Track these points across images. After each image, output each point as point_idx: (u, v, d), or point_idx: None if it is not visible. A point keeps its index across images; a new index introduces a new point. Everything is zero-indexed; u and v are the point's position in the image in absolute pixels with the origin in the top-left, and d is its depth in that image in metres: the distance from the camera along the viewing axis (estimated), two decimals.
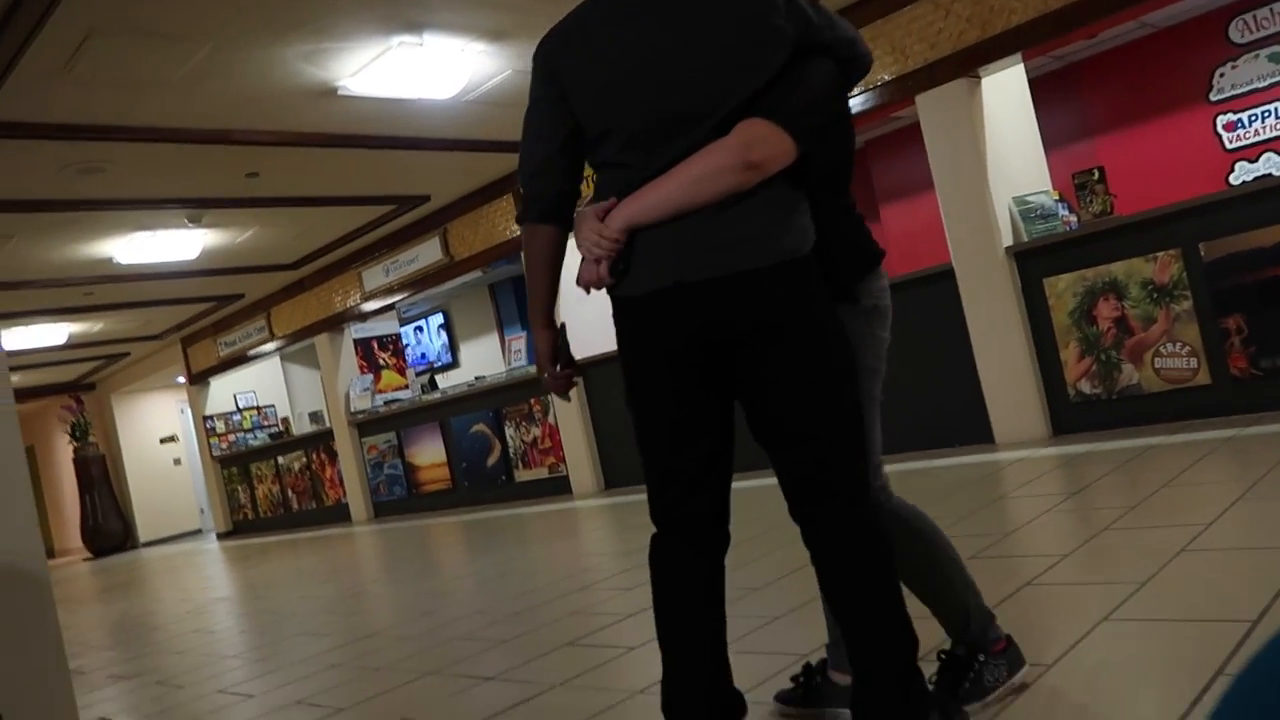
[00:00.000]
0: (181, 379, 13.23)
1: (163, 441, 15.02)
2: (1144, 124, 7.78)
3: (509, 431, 8.31)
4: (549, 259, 1.73)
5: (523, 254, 1.79)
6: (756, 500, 3.31)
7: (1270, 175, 6.87)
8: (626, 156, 1.60)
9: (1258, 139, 7.27)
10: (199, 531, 14.81)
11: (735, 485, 1.70)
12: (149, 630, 5.27)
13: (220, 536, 12.43)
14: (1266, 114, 7.19)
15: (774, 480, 1.63)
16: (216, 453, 12.43)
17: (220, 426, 12.57)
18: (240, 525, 12.28)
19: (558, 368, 1.78)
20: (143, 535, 14.46)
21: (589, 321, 4.60)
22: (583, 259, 1.63)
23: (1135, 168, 7.48)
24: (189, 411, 13.55)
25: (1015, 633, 1.88)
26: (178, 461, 15.05)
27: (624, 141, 1.60)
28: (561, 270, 1.75)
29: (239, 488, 12.20)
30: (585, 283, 1.63)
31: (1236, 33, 7.24)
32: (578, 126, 1.64)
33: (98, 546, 14.05)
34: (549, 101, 1.66)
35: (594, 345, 6.01)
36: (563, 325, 1.79)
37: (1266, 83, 7.17)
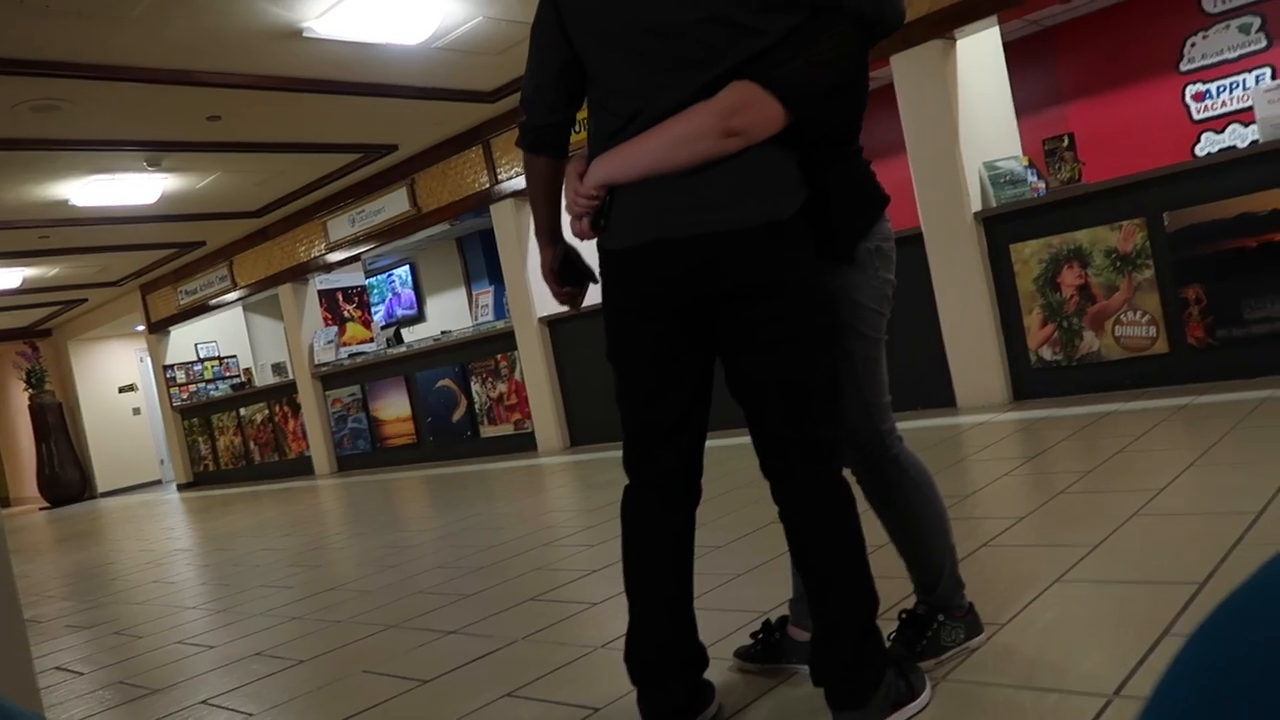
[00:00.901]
0: (141, 327, 13.00)
1: (121, 390, 14.79)
2: (1114, 92, 7.80)
3: (475, 387, 8.27)
4: (544, 186, 1.74)
5: (525, 175, 1.80)
6: (724, 458, 3.33)
7: (1234, 147, 6.94)
8: (612, 102, 1.57)
9: (1224, 110, 7.32)
10: (159, 482, 14.66)
11: (709, 442, 1.70)
12: (107, 580, 5.23)
13: (181, 488, 12.31)
14: (1235, 85, 7.24)
15: (743, 439, 1.64)
16: (177, 403, 12.26)
17: (181, 376, 12.39)
18: (201, 477, 12.17)
19: (565, 285, 1.80)
20: (101, 485, 14.29)
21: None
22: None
23: (1104, 135, 7.52)
24: (149, 360, 13.34)
25: (972, 592, 1.92)
26: (137, 411, 14.84)
27: (608, 84, 1.57)
28: (560, 195, 1.75)
29: (200, 439, 12.06)
30: (574, 234, 1.66)
31: (1209, 2, 7.26)
32: (575, 55, 1.60)
33: (55, 496, 13.86)
34: (548, 27, 1.62)
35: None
36: (569, 248, 1.80)
37: (1236, 54, 7.21)
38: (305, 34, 5.15)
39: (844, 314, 1.68)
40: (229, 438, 11.54)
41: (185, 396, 12.27)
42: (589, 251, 1.66)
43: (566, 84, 1.63)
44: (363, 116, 6.88)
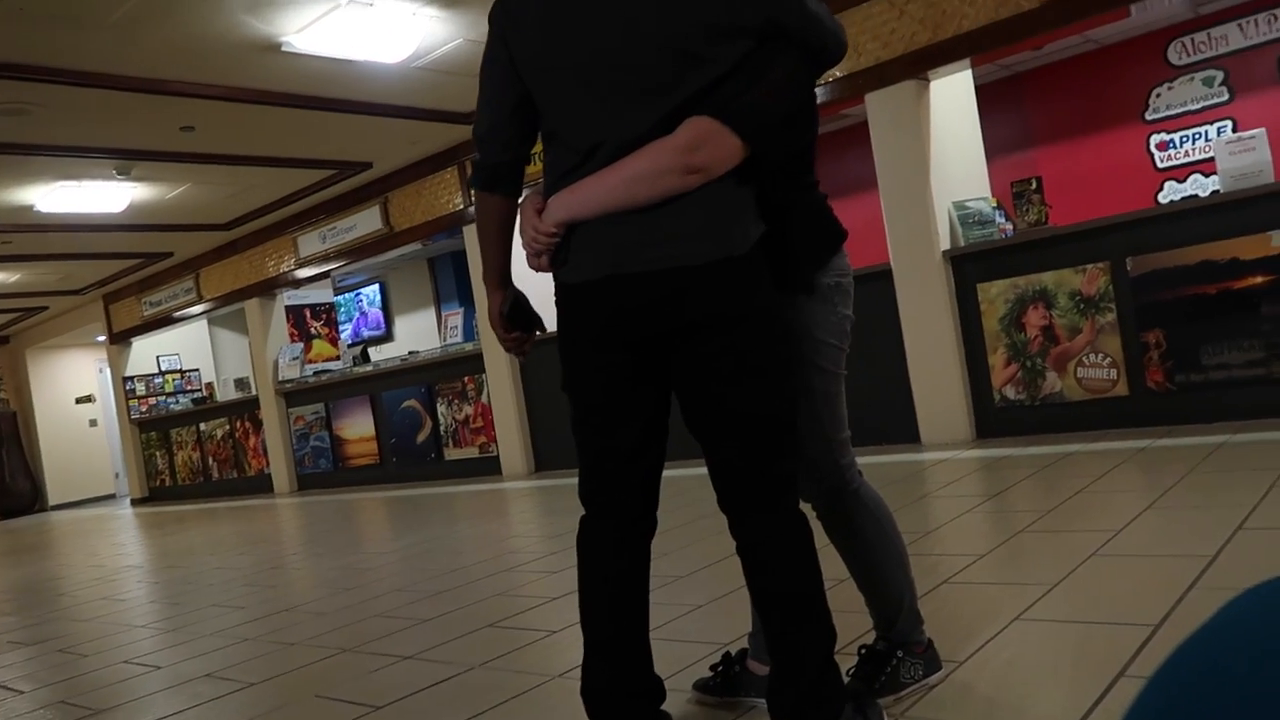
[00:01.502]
0: (102, 337, 12.77)
1: (79, 401, 14.50)
2: (1082, 138, 7.97)
3: (441, 409, 8.20)
4: (497, 226, 1.72)
5: (475, 216, 1.76)
6: (689, 488, 3.32)
7: (1196, 196, 7.11)
8: (569, 136, 1.57)
9: (1187, 160, 7.51)
10: (113, 496, 14.35)
11: (665, 473, 1.69)
12: (54, 596, 5.09)
13: (135, 502, 12.06)
14: (1197, 136, 7.43)
15: (704, 469, 1.63)
16: (135, 415, 12.04)
17: (141, 389, 12.18)
18: (157, 491, 11.93)
19: (512, 331, 1.77)
20: (53, 497, 13.96)
21: (532, 295, 4.55)
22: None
23: (1071, 179, 7.67)
24: (108, 371, 13.10)
25: (932, 628, 1.92)
26: (94, 423, 14.55)
27: (562, 120, 1.57)
28: (513, 235, 1.73)
29: (157, 453, 11.84)
30: (531, 267, 1.64)
31: (1175, 54, 7.46)
32: (528, 92, 1.60)
33: (4, 507, 13.52)
34: (499, 64, 1.61)
35: None
36: (519, 293, 1.77)
37: (1199, 106, 7.40)
38: (284, 48, 5.13)
39: (804, 349, 1.68)
40: (187, 453, 11.34)
41: (144, 409, 12.06)
42: (544, 285, 1.65)
43: (520, 121, 1.63)
44: (338, 133, 6.86)
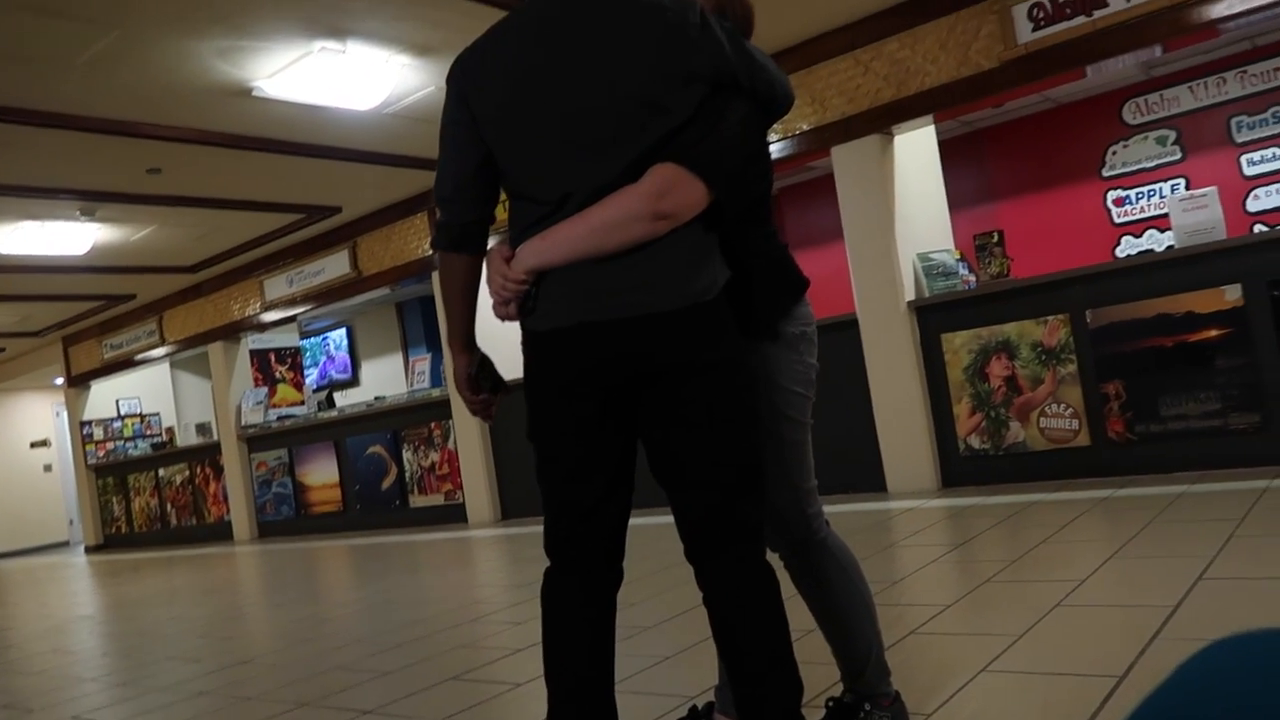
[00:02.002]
0: (60, 380, 12.52)
1: (34, 445, 14.17)
2: (1042, 192, 8.17)
3: (406, 455, 8.11)
4: (463, 286, 1.71)
5: (438, 278, 1.75)
6: (656, 536, 3.30)
7: (1152, 251, 7.29)
8: (533, 189, 1.58)
9: (1143, 215, 7.71)
10: (66, 544, 13.97)
11: (631, 522, 1.68)
12: (1, 649, 4.92)
13: (89, 550, 11.75)
14: (1152, 193, 7.64)
15: (670, 519, 1.62)
16: (92, 460, 11.77)
17: (98, 433, 11.93)
18: (112, 539, 11.63)
19: (479, 393, 1.75)
20: (2, 544, 13.56)
21: (495, 350, 4.54)
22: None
23: (1031, 233, 7.84)
24: (65, 415, 12.83)
25: (898, 680, 1.91)
26: (48, 468, 14.22)
27: (529, 173, 1.58)
28: (478, 295, 1.72)
29: (114, 499, 11.57)
30: (498, 316, 1.64)
31: (1129, 114, 7.70)
32: (490, 152, 1.61)
33: None
34: (461, 125, 1.62)
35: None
36: (484, 355, 1.77)
37: (1154, 164, 7.63)
38: (255, 93, 5.14)
39: (770, 398, 1.69)
40: (145, 499, 11.09)
41: (102, 454, 11.80)
42: (502, 332, 1.64)
43: (484, 180, 1.64)
44: (307, 177, 6.85)
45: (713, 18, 1.53)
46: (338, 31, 4.60)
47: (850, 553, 1.84)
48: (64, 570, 9.69)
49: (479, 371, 1.74)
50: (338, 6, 4.34)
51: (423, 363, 8.45)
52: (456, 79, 1.63)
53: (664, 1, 1.52)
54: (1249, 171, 7.21)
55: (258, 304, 9.32)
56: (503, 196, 1.68)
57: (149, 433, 12.27)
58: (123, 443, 12.02)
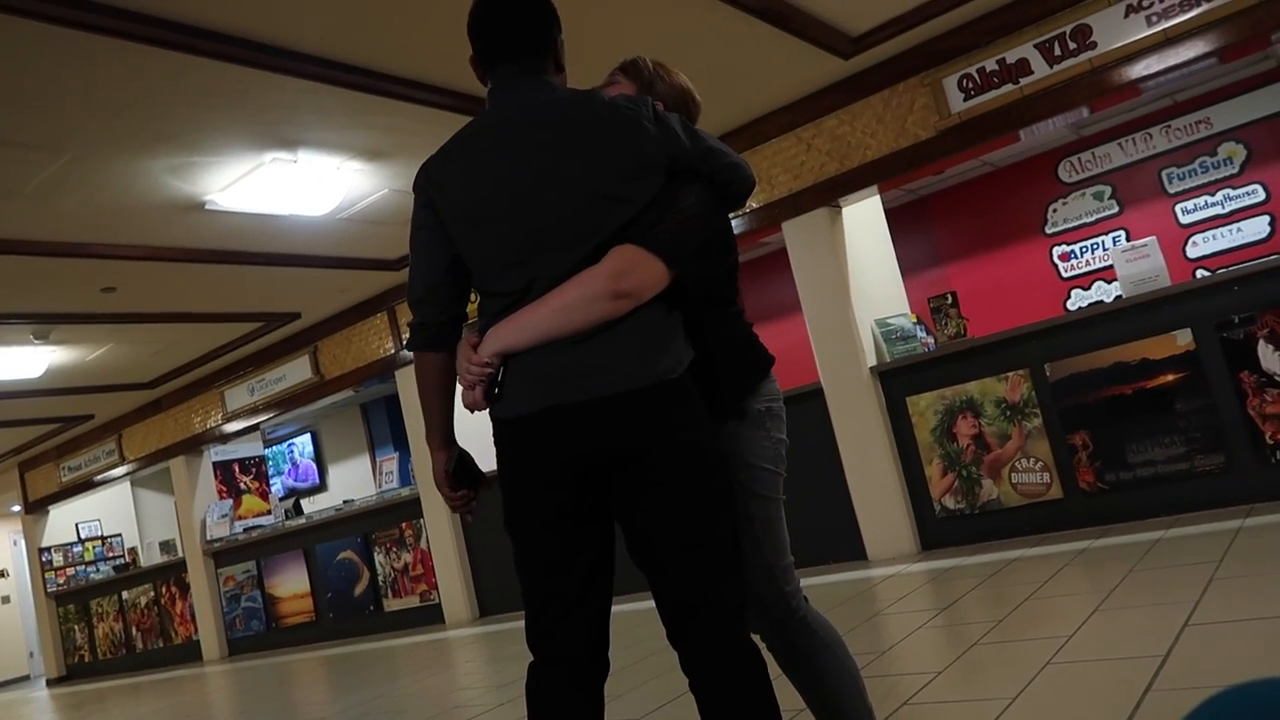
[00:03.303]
0: (17, 507, 12.16)
1: None
2: (989, 253, 8.37)
3: (379, 558, 7.94)
4: (438, 385, 1.72)
5: (415, 377, 1.76)
6: (641, 623, 3.23)
7: (1102, 302, 7.46)
8: (499, 285, 1.60)
9: (1089, 269, 7.92)
10: (26, 678, 13.38)
11: (614, 608, 1.65)
12: None
13: (51, 683, 11.24)
14: (1095, 246, 7.86)
15: (653, 603, 1.59)
16: (52, 588, 11.36)
17: (58, 559, 11.54)
18: (75, 669, 11.16)
19: (459, 490, 1.74)
20: None
21: (468, 443, 4.50)
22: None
23: (983, 292, 8.00)
24: (23, 543, 12.42)
25: None
26: (6, 599, 13.70)
27: (495, 271, 1.60)
28: (454, 393, 1.74)
29: (76, 627, 11.14)
30: (466, 405, 1.64)
31: (1065, 173, 7.97)
32: (459, 253, 1.64)
33: None
34: (429, 229, 1.65)
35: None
36: (463, 450, 1.76)
37: (1094, 218, 7.87)
38: (208, 206, 5.16)
39: (741, 476, 1.69)
40: (109, 624, 10.69)
41: (62, 581, 11.40)
42: (474, 425, 1.64)
43: (455, 280, 1.67)
44: (265, 285, 6.84)
45: (670, 116, 1.61)
46: (288, 142, 4.65)
47: (832, 629, 1.81)
48: (23, 707, 9.26)
49: (457, 467, 1.74)
50: (288, 119, 4.39)
51: (390, 462, 8.34)
52: (423, 185, 1.66)
53: (619, 100, 1.60)
54: (1184, 220, 7.46)
55: (219, 415, 9.18)
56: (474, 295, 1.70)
57: (111, 555, 11.90)
58: (84, 567, 11.63)
